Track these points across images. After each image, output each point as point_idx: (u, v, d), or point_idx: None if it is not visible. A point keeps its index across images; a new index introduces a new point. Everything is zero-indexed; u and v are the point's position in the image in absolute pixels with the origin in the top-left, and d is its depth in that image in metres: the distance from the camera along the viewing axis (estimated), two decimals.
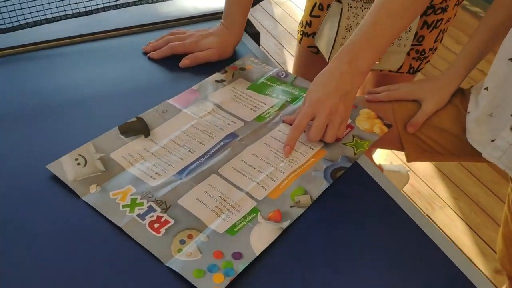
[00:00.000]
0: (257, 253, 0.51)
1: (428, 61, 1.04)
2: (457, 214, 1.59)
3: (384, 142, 0.74)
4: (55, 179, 0.58)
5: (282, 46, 2.41)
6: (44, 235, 0.52)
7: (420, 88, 0.77)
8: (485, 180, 1.70)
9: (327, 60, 0.95)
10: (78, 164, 0.60)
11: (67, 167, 0.59)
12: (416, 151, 0.77)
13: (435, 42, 0.98)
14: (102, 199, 0.56)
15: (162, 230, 0.53)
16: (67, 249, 0.51)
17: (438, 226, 1.53)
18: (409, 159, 0.78)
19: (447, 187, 1.68)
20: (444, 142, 0.76)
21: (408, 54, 0.97)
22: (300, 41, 1.07)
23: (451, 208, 1.61)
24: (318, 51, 1.02)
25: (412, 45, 0.94)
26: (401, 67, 1.00)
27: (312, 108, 0.64)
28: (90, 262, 0.50)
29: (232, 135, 0.66)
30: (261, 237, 0.53)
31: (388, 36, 0.66)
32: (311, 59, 1.05)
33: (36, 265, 0.49)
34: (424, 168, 1.75)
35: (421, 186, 1.69)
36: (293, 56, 2.34)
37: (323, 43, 0.96)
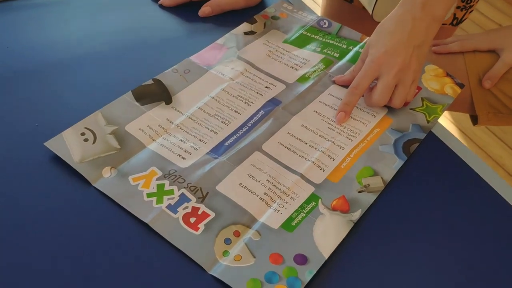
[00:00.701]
0: (326, 256, 0.40)
1: (472, 10, 0.91)
2: None
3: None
4: (57, 160, 0.45)
5: None
6: (46, 234, 0.40)
7: (499, 36, 0.65)
8: (510, 142, 1.60)
9: (370, 12, 0.80)
10: (86, 140, 0.47)
11: (71, 144, 0.46)
12: (489, 112, 0.66)
13: None
14: (120, 186, 0.44)
15: (201, 226, 0.41)
16: (76, 253, 0.39)
17: None
18: (480, 121, 0.67)
19: (470, 149, 1.58)
20: None
21: None
22: None
23: None
24: None
25: None
26: None
27: (376, 64, 0.51)
28: (105, 270, 0.38)
29: (273, 102, 0.54)
30: (328, 234, 0.42)
31: None
32: (344, 9, 0.90)
33: (37, 272, 0.37)
34: None
35: None
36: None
37: None
